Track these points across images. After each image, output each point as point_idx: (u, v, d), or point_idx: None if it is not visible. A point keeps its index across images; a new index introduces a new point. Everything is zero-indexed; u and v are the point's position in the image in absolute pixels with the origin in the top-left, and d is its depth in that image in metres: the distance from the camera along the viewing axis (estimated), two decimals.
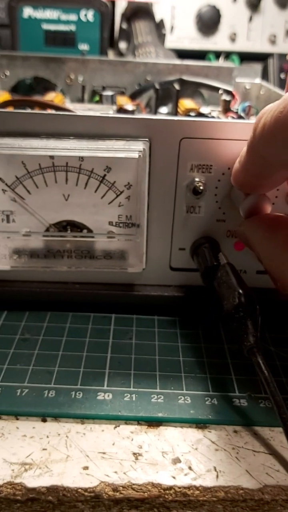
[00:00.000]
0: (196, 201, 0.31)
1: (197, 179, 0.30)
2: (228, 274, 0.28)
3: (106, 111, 0.38)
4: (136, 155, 0.28)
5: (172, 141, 0.30)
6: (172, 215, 0.32)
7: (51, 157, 0.28)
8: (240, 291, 0.26)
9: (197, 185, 0.30)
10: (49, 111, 0.34)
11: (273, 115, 0.22)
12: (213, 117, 0.40)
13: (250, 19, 0.82)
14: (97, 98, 0.46)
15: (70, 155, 0.29)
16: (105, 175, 0.29)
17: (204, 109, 0.41)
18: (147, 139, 0.29)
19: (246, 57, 0.80)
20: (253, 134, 0.24)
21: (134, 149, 0.28)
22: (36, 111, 0.33)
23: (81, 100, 0.46)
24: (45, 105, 0.35)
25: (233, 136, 0.29)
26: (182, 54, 0.76)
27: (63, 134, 0.29)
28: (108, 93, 0.38)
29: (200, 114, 0.41)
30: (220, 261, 0.30)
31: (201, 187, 0.30)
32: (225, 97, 0.46)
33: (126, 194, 0.30)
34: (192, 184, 0.30)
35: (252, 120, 0.40)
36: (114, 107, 0.37)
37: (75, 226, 0.31)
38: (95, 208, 0.30)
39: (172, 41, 0.81)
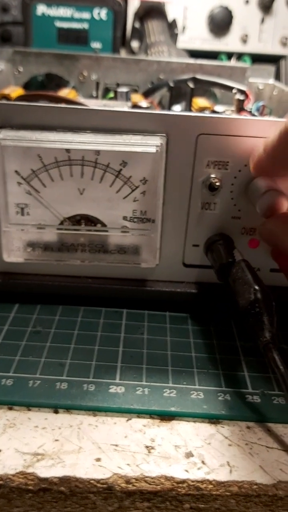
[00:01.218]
0: (212, 198, 0.31)
1: (213, 176, 0.30)
2: (244, 271, 0.28)
3: (121, 107, 0.38)
4: (153, 149, 0.28)
5: (189, 137, 0.30)
6: (187, 211, 0.32)
7: (67, 150, 0.29)
8: (256, 287, 0.26)
9: (213, 181, 0.30)
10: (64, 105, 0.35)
11: None
12: (217, 113, 0.40)
13: (262, 20, 0.82)
14: (110, 95, 0.46)
15: (87, 149, 0.29)
16: (121, 169, 0.29)
17: (219, 108, 0.41)
18: (164, 135, 0.29)
19: (257, 59, 0.80)
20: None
21: (151, 143, 0.29)
22: (53, 104, 0.33)
23: (94, 96, 0.46)
24: (59, 100, 0.35)
25: (249, 133, 0.29)
26: (194, 54, 0.76)
27: (80, 128, 0.29)
28: (123, 89, 0.38)
29: (215, 112, 0.41)
30: (235, 258, 0.30)
31: (217, 183, 0.30)
32: (239, 96, 0.46)
33: (142, 189, 0.30)
34: (208, 180, 0.30)
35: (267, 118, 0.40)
36: (129, 104, 0.37)
37: (89, 220, 0.31)
38: (110, 203, 0.30)
39: (184, 41, 0.82)
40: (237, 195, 0.31)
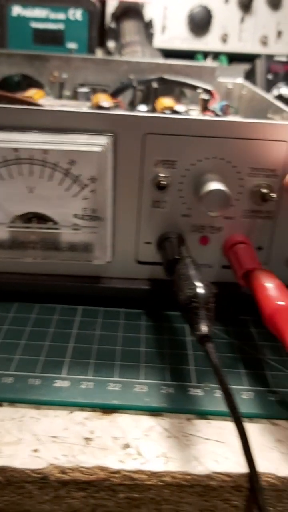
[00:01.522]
0: (161, 196, 0.32)
1: (161, 174, 0.31)
2: (187, 267, 0.29)
3: (80, 107, 0.39)
4: (98, 149, 0.29)
5: (136, 137, 0.30)
6: (138, 210, 0.32)
7: (15, 149, 0.29)
8: (196, 283, 0.27)
9: (160, 180, 0.31)
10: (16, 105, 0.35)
11: None
12: (179, 113, 0.41)
13: (242, 20, 0.83)
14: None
15: (34, 148, 0.29)
16: (69, 168, 0.30)
17: (179, 107, 0.42)
18: (111, 134, 0.30)
19: (237, 58, 0.81)
20: None
21: (96, 143, 0.29)
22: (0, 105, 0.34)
23: (60, 97, 0.47)
24: (15, 100, 0.36)
25: (196, 133, 0.30)
26: (174, 54, 0.77)
27: (29, 127, 0.30)
28: (83, 89, 0.39)
29: (175, 112, 0.41)
30: (182, 255, 0.30)
31: (165, 182, 0.31)
32: (204, 96, 0.46)
33: (91, 188, 0.31)
34: (156, 179, 0.31)
35: (235, 118, 0.41)
36: (88, 104, 0.38)
37: (41, 218, 0.32)
38: (60, 201, 0.31)
39: (164, 41, 0.82)
40: (186, 193, 0.32)
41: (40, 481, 0.24)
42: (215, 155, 0.30)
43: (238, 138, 0.30)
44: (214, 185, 0.29)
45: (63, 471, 0.24)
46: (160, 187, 0.31)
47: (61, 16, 0.64)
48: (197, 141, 0.30)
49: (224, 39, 0.83)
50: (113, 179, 0.31)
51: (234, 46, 0.83)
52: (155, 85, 0.46)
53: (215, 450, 0.25)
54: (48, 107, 0.31)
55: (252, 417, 0.26)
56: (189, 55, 0.79)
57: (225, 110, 0.45)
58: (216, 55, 0.78)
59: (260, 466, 0.24)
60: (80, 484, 0.24)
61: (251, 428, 0.26)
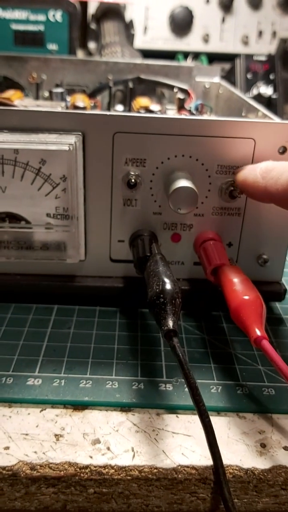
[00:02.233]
0: (132, 194, 0.32)
1: (131, 172, 0.31)
2: (157, 264, 0.29)
3: (55, 107, 0.39)
4: (66, 147, 0.29)
5: (106, 136, 0.30)
6: (110, 208, 0.33)
7: None
8: (164, 279, 0.27)
9: (131, 178, 0.31)
10: None
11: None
12: (152, 112, 0.41)
13: (223, 20, 0.84)
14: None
15: (5, 148, 0.29)
16: (40, 167, 0.30)
17: (154, 107, 0.42)
18: (80, 133, 0.30)
19: (219, 58, 0.81)
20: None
21: (65, 142, 0.29)
22: None
23: (37, 97, 0.47)
24: None
25: (163, 131, 0.30)
26: (156, 55, 0.78)
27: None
28: (58, 90, 0.39)
29: (150, 111, 0.42)
30: (152, 252, 0.31)
31: (135, 180, 0.31)
32: (180, 95, 0.47)
33: (62, 187, 0.31)
34: (126, 177, 0.31)
35: (202, 116, 0.41)
36: (63, 104, 0.38)
37: (14, 218, 0.32)
38: (32, 200, 0.31)
39: (146, 42, 0.83)
40: (157, 191, 0.32)
41: (10, 478, 0.24)
42: (183, 153, 0.31)
43: (206, 136, 0.30)
44: (181, 183, 0.29)
45: (32, 467, 0.24)
46: (131, 185, 0.31)
47: (41, 17, 0.65)
48: (166, 140, 0.31)
49: (206, 39, 0.83)
50: (84, 177, 0.31)
51: (216, 46, 0.84)
52: (131, 85, 0.46)
53: (182, 443, 0.25)
54: (20, 107, 0.31)
55: (220, 411, 0.27)
56: (171, 55, 0.79)
57: (200, 109, 0.46)
58: (197, 55, 0.79)
59: (225, 458, 0.24)
60: (50, 480, 0.24)
61: (219, 421, 0.26)
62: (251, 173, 0.29)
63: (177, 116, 0.38)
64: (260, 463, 0.24)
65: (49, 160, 0.30)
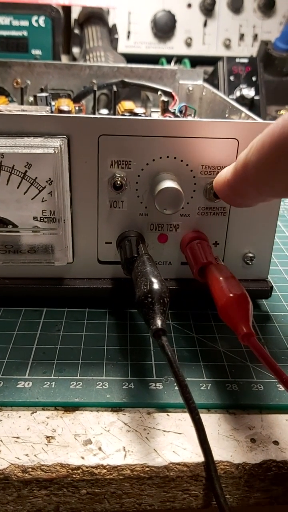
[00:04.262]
0: (118, 196, 0.32)
1: (117, 174, 0.31)
2: (144, 264, 0.29)
3: (40, 111, 0.39)
4: (51, 151, 0.29)
5: (90, 138, 0.31)
6: (97, 210, 0.33)
7: None
8: (152, 279, 0.27)
9: (117, 180, 0.31)
10: None
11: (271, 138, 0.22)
12: (137, 115, 0.42)
13: (205, 24, 0.85)
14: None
15: None
16: (26, 171, 0.30)
17: (138, 109, 0.43)
18: (65, 136, 0.30)
19: (202, 62, 0.82)
20: (247, 163, 0.25)
21: (50, 145, 0.30)
22: None
23: (21, 102, 0.47)
24: None
25: (147, 133, 0.31)
26: (140, 59, 0.78)
27: None
28: (42, 94, 0.39)
29: (134, 114, 0.42)
30: (139, 253, 0.31)
31: (121, 182, 0.31)
32: (164, 98, 0.47)
33: (48, 190, 0.31)
34: (112, 179, 0.32)
35: (187, 118, 0.42)
36: (48, 108, 0.38)
37: (1, 222, 0.32)
38: (19, 204, 0.31)
39: (130, 46, 0.83)
40: (143, 192, 0.32)
41: (1, 481, 0.24)
42: (168, 155, 0.31)
43: (190, 137, 0.31)
44: (167, 184, 0.29)
45: (24, 470, 0.24)
46: (117, 187, 0.31)
47: (24, 23, 0.65)
48: (150, 141, 0.31)
49: (189, 43, 0.84)
50: (70, 180, 0.32)
51: (199, 49, 0.85)
52: (116, 88, 0.46)
53: (173, 441, 0.26)
54: (5, 112, 0.31)
55: (210, 408, 0.27)
56: (155, 59, 0.80)
57: (184, 112, 0.46)
58: (180, 59, 0.79)
59: (216, 454, 0.24)
60: (42, 482, 0.24)
61: (209, 418, 0.27)
62: (221, 174, 0.29)
63: (161, 118, 0.38)
64: (251, 458, 0.25)
65: (34, 164, 0.30)
